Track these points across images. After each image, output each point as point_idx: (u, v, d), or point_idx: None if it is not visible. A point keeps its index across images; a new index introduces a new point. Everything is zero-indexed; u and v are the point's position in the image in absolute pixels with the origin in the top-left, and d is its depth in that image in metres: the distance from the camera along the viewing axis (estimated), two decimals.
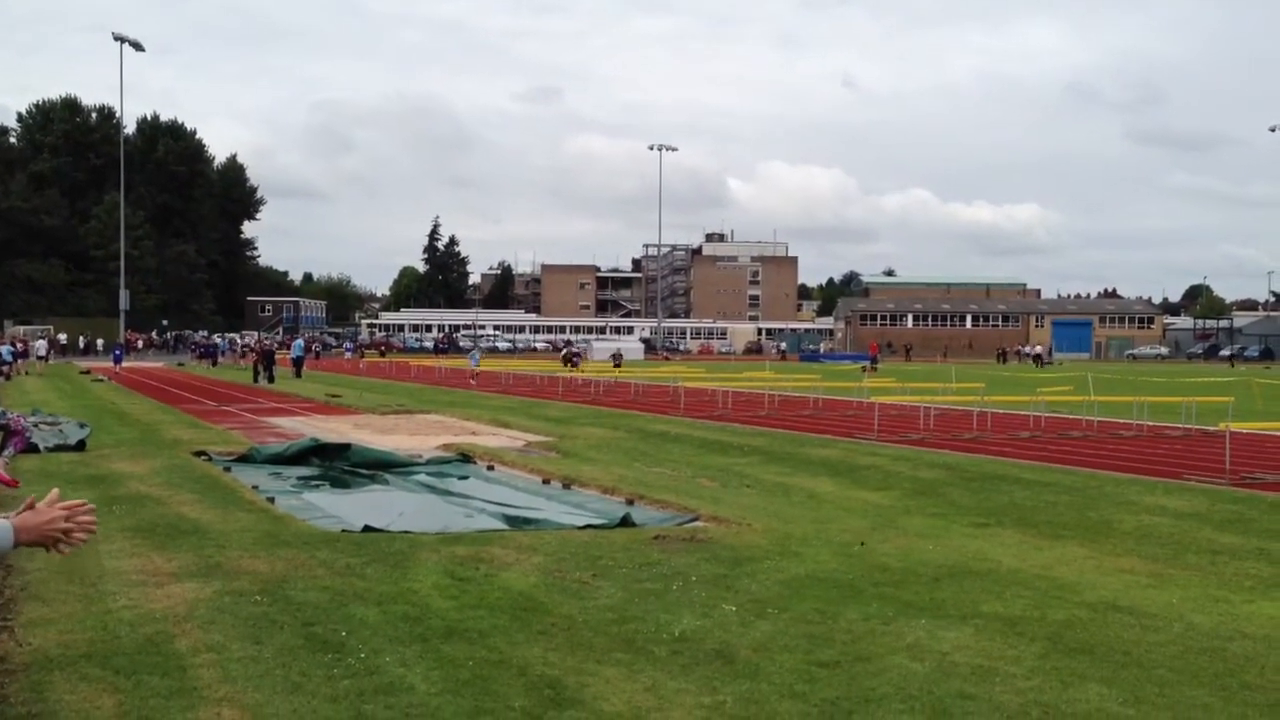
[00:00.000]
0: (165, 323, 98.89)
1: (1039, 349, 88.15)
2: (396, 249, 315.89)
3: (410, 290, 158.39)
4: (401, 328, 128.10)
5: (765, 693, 6.10)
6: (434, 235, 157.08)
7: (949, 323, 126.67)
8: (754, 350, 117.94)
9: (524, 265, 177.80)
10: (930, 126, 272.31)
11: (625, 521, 11.53)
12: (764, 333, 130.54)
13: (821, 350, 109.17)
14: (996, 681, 6.34)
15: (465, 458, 17.91)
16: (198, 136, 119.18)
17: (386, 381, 45.96)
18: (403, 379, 48.24)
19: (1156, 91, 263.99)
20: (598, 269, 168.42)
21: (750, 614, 7.82)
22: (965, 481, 15.44)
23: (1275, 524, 12.18)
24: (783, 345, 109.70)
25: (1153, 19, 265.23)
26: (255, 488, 13.99)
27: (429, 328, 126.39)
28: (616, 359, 54.16)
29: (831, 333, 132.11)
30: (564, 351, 51.33)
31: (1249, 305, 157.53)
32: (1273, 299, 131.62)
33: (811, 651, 6.90)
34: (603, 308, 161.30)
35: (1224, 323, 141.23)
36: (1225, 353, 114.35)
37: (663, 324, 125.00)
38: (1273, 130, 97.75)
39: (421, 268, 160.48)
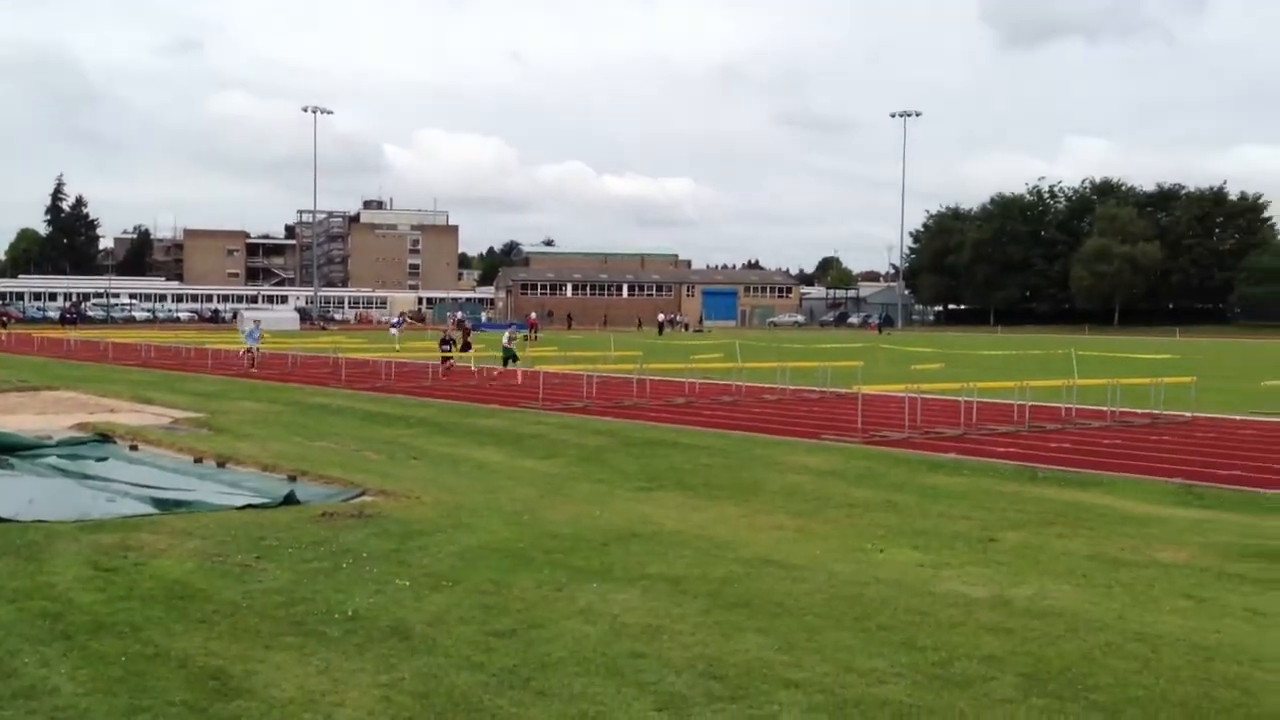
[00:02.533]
0: None
1: (663, 316, 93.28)
2: (12, 209, 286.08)
3: (30, 255, 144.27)
4: (21, 295, 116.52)
5: (443, 666, 6.07)
6: (58, 195, 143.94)
7: (606, 292, 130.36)
8: (416, 319, 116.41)
9: (165, 230, 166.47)
10: (587, 100, 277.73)
11: (289, 499, 11.08)
12: (425, 302, 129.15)
13: (484, 319, 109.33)
14: (664, 638, 6.63)
15: (104, 438, 16.55)
16: None
17: (4, 355, 41.69)
18: (24, 352, 43.94)
19: (799, 76, 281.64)
20: (247, 235, 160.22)
21: (424, 588, 7.74)
22: (628, 447, 15.98)
23: (900, 477, 13.44)
24: (459, 314, 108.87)
25: (796, 6, 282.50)
26: None
27: (53, 296, 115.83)
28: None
29: (492, 302, 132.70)
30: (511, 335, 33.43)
31: (872, 276, 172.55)
32: (892, 270, 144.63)
33: (487, 622, 6.93)
34: (254, 275, 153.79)
35: (851, 292, 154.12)
36: (854, 320, 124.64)
37: (319, 292, 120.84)
38: (894, 116, 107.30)
39: (43, 230, 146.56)
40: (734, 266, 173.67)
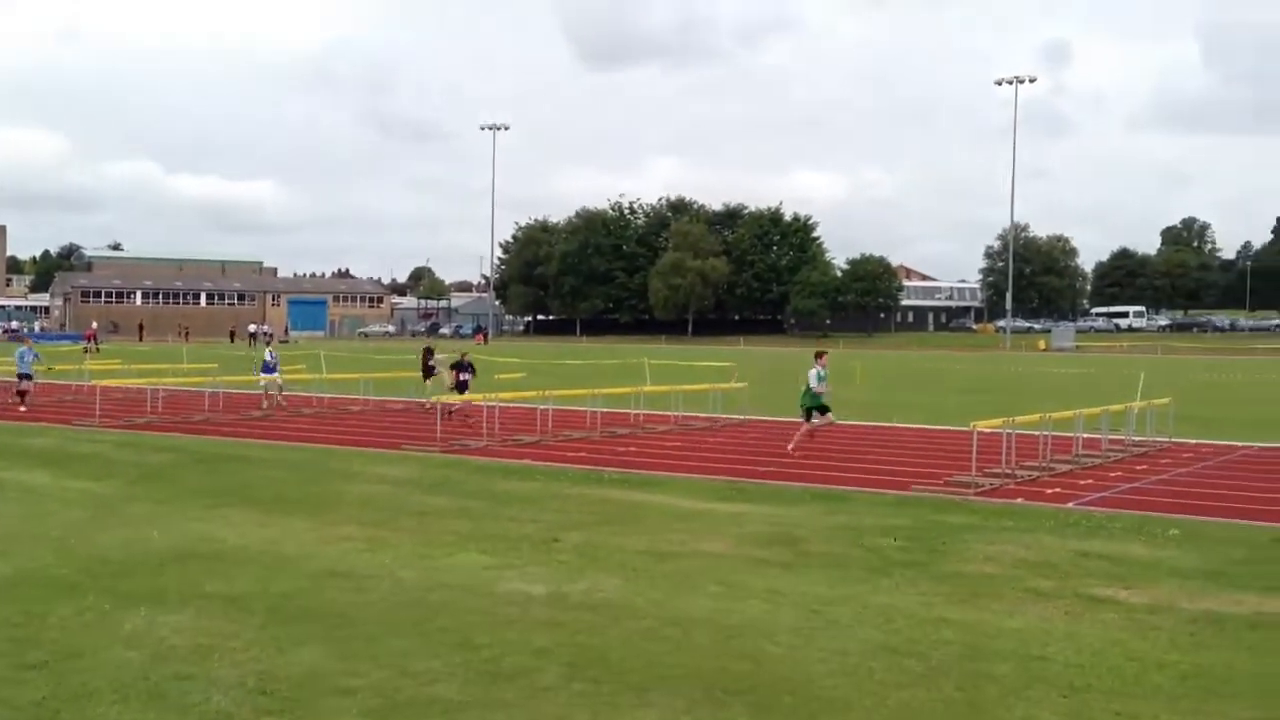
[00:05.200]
0: None
1: (254, 327, 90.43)
2: None
3: None
4: None
5: None
6: None
7: (183, 300, 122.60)
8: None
9: None
10: (156, 90, 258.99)
11: None
12: None
13: (37, 329, 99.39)
14: (215, 658, 6.46)
15: None
16: None
17: None
18: None
19: (388, 80, 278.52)
20: None
21: None
22: (195, 463, 15.25)
23: (476, 485, 13.78)
24: (13, 324, 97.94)
25: (383, 6, 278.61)
26: None
27: None
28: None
29: (48, 310, 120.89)
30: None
31: (465, 287, 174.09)
32: (483, 281, 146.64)
33: (16, 655, 6.44)
34: None
35: (444, 303, 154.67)
36: (445, 331, 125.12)
37: None
38: (483, 129, 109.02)
39: None
40: (323, 275, 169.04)
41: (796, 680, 6.28)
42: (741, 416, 23.04)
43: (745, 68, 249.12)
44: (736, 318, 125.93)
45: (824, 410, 17.56)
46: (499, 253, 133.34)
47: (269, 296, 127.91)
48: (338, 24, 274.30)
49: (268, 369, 25.02)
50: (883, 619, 7.63)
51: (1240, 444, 19.45)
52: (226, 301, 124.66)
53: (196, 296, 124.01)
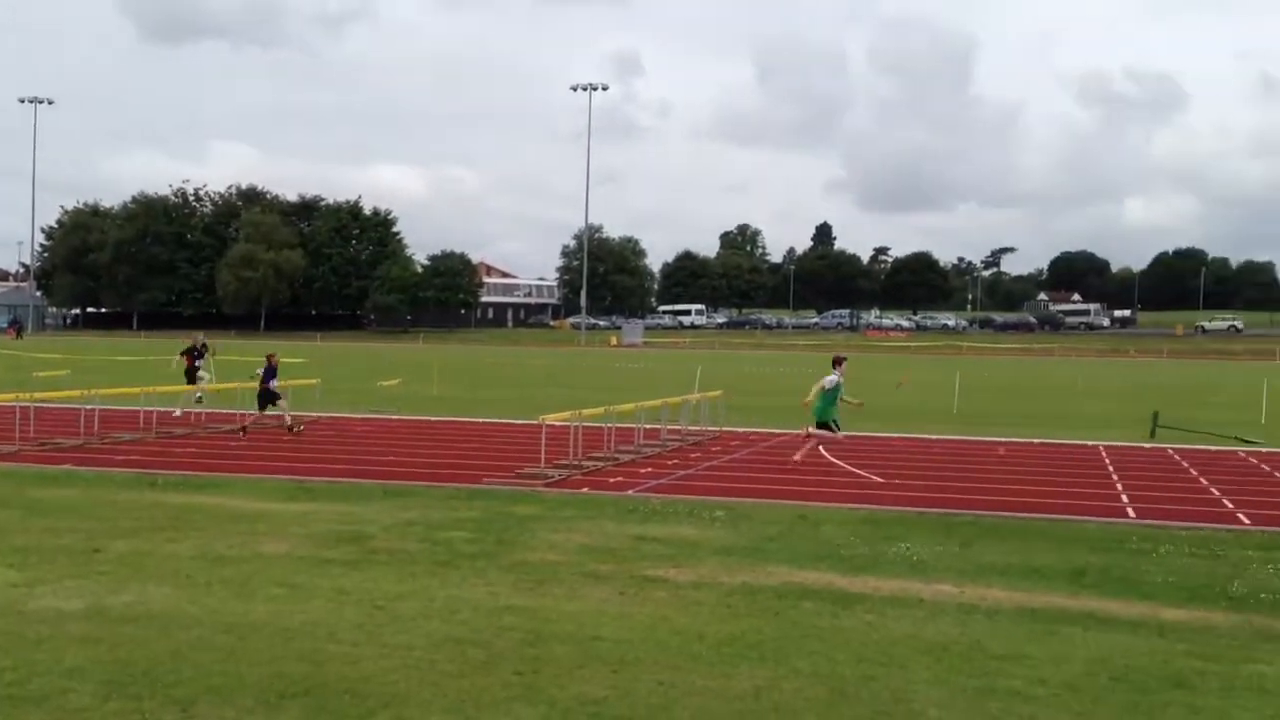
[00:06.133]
0: None
1: None
2: None
3: None
4: None
5: None
6: None
7: None
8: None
9: None
10: None
11: None
12: None
13: None
14: None
15: None
16: None
17: None
18: None
19: None
20: None
21: None
22: None
23: (3, 494, 12.39)
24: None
25: None
26: None
27: None
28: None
29: None
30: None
31: (2, 276, 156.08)
32: (22, 270, 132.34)
33: None
34: None
35: None
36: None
37: None
38: (23, 102, 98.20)
39: None
40: None
41: (356, 678, 6.18)
42: (313, 414, 22.35)
43: (321, 55, 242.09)
44: (314, 312, 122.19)
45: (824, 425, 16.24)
46: (41, 239, 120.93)
47: None
48: None
49: None
50: (449, 611, 7.68)
51: (779, 431, 21.46)
52: None
53: None
